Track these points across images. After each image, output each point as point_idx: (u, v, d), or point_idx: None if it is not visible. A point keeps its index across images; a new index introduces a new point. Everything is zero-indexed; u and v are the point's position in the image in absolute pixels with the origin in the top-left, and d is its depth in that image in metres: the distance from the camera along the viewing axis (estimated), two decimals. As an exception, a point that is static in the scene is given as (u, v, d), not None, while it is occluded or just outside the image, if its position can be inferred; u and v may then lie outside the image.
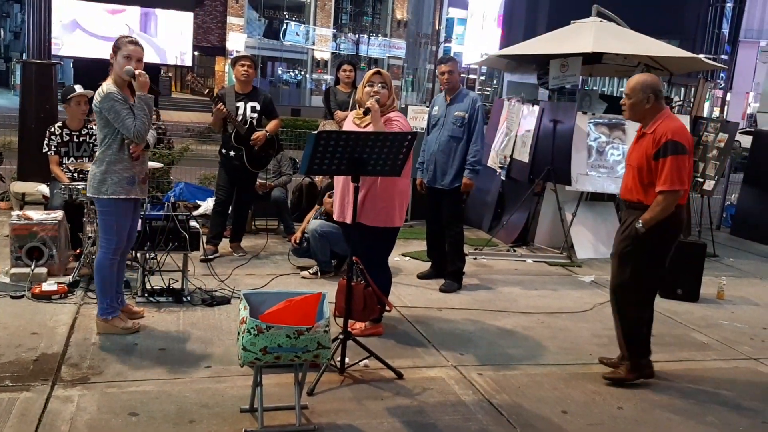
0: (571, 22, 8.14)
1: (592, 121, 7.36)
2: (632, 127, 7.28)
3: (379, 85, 4.26)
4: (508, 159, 7.73)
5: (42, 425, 3.10)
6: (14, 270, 4.97)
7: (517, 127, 7.69)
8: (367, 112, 4.17)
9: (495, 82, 40.77)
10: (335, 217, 4.54)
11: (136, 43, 4.09)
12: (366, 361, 3.97)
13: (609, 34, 7.56)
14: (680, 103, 9.82)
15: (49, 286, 4.78)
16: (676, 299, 5.88)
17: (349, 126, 4.39)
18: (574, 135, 7.12)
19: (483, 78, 42.55)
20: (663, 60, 8.10)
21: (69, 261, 5.38)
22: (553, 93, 8.24)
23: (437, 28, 39.24)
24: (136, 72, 3.98)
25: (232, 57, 6.45)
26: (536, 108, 7.64)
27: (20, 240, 5.02)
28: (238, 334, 3.12)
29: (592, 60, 7.90)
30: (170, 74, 32.13)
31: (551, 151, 7.16)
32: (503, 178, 7.90)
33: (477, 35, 37.21)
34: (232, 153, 6.10)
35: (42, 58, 6.93)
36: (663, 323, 5.32)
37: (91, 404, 3.32)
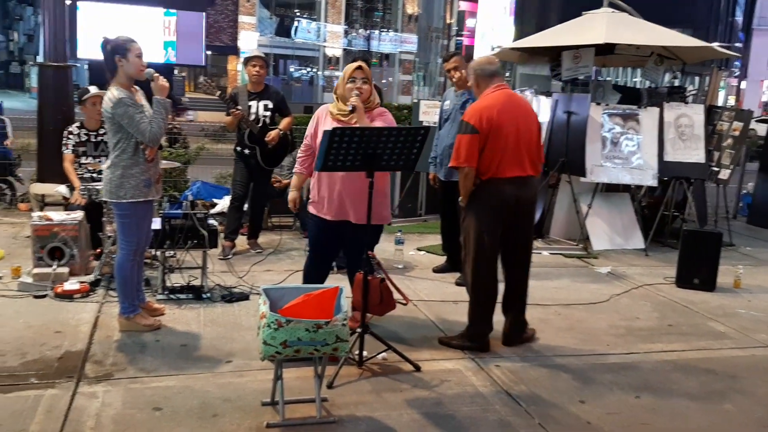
0: (583, 13, 8.12)
1: (606, 111, 7.35)
2: (646, 117, 7.29)
3: (361, 80, 4.13)
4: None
5: (68, 421, 3.16)
6: (36, 270, 5.06)
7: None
8: (353, 110, 4.02)
9: (508, 74, 40.66)
10: (332, 217, 4.17)
11: (135, 41, 4.08)
12: (384, 354, 4.01)
13: (621, 25, 7.53)
14: (695, 92, 9.75)
15: (71, 285, 4.87)
16: (693, 289, 5.88)
17: (329, 123, 4.13)
18: (588, 126, 7.11)
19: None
20: (676, 49, 8.06)
21: (90, 260, 5.47)
22: (566, 84, 8.22)
23: (448, 21, 39.11)
24: (154, 75, 4.03)
25: (244, 56, 6.48)
26: (549, 100, 7.64)
27: (42, 240, 5.10)
28: (259, 328, 3.17)
29: (605, 51, 7.86)
30: (183, 74, 32.32)
31: (565, 143, 7.16)
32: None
33: (488, 28, 37.03)
34: (246, 151, 6.16)
35: (58, 60, 7.02)
36: (680, 312, 5.33)
37: (116, 400, 3.39)
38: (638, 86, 9.47)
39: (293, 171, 4.48)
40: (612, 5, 7.97)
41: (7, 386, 3.46)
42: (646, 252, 7.18)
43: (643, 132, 7.28)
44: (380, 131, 3.72)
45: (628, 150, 7.31)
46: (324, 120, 4.20)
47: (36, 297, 4.80)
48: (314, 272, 4.32)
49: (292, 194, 4.46)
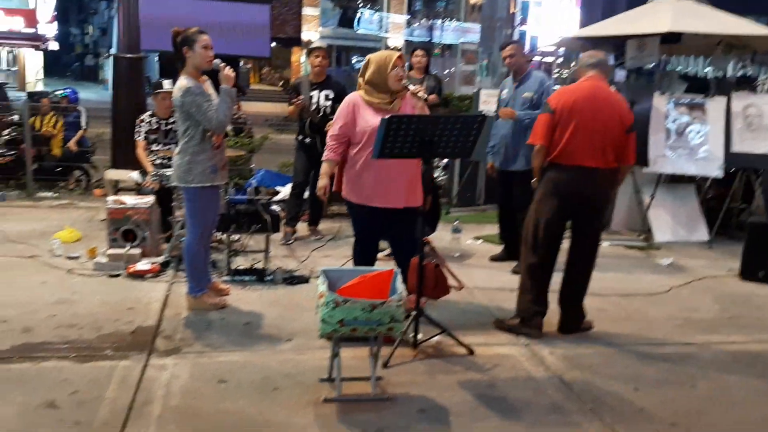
0: (648, 0, 7.96)
1: (672, 101, 7.21)
2: (713, 107, 7.12)
3: (402, 68, 4.16)
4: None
5: (140, 390, 3.38)
6: (111, 251, 5.35)
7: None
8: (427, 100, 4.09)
9: (574, 64, 39.84)
10: (377, 204, 4.17)
11: (205, 32, 4.23)
12: (438, 337, 4.10)
13: (687, 13, 7.35)
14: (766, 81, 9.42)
15: (143, 265, 5.14)
16: (757, 282, 5.75)
17: (370, 112, 4.13)
18: (652, 116, 6.99)
19: (561, 60, 41.68)
20: (746, 38, 7.81)
21: (160, 242, 5.75)
22: (631, 73, 8.10)
23: (512, 11, 38.62)
24: (221, 65, 4.21)
25: (307, 48, 6.63)
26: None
27: (116, 223, 5.39)
28: (317, 307, 3.31)
29: (672, 39, 7.70)
30: (249, 66, 32.98)
31: (627, 133, 7.05)
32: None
33: (554, 17, 36.43)
34: (307, 140, 6.34)
35: (132, 52, 7.35)
36: (742, 305, 5.23)
37: (184, 372, 3.59)
38: (708, 76, 9.22)
39: (322, 158, 4.35)
40: (679, -8, 7.77)
41: (85, 357, 3.72)
42: (710, 244, 7.03)
43: (709, 122, 7.10)
44: (437, 119, 3.80)
45: (694, 140, 7.15)
46: (363, 109, 4.15)
47: (110, 276, 5.09)
48: (360, 258, 4.42)
49: (321, 182, 4.26)
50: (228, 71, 4.21)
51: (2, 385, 3.34)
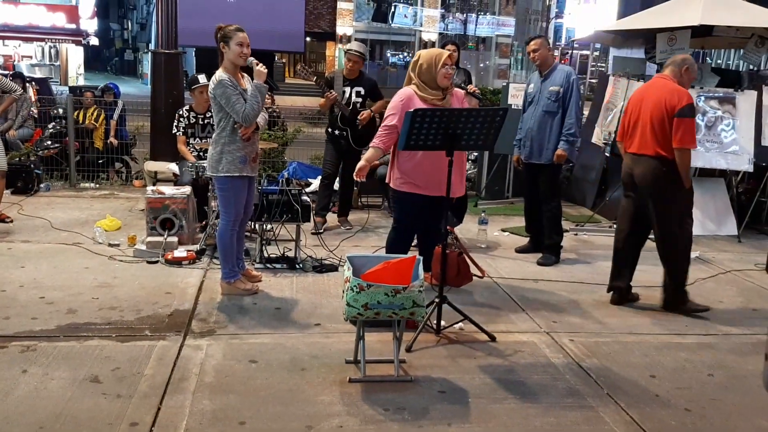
0: (680, -7, 7.92)
1: (702, 94, 7.20)
2: (743, 101, 7.09)
3: (450, 66, 4.34)
4: (613, 135, 7.68)
5: (177, 368, 3.59)
6: (150, 239, 5.59)
7: (622, 102, 7.62)
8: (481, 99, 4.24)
9: (611, 57, 39.36)
10: (428, 193, 4.38)
11: (243, 30, 4.43)
12: (460, 324, 4.24)
13: (719, 6, 7.32)
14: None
15: (180, 253, 5.37)
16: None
17: (421, 105, 4.25)
18: (681, 109, 6.98)
19: (597, 54, 41.20)
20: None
21: (196, 231, 5.98)
22: (662, 67, 8.07)
23: (548, 3, 38.28)
24: (254, 62, 4.39)
25: (345, 48, 6.75)
26: (642, 83, 7.54)
27: (155, 212, 5.64)
28: (343, 291, 3.48)
29: (704, 33, 7.67)
30: (284, 60, 33.33)
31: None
32: (607, 154, 7.87)
33: (589, 10, 36.02)
34: (337, 132, 6.51)
35: (170, 48, 7.59)
36: (767, 298, 5.25)
37: (218, 352, 3.80)
38: (740, 69, 9.14)
39: (370, 144, 4.56)
40: (712, -15, 7.73)
41: (126, 336, 3.95)
42: (739, 238, 7.02)
43: (739, 116, 7.08)
44: (460, 112, 3.92)
45: (724, 134, 7.14)
46: (416, 103, 4.28)
47: (149, 262, 5.33)
48: (397, 246, 4.57)
49: (362, 163, 4.40)
50: (260, 68, 4.39)
51: (50, 361, 3.58)
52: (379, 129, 4.48)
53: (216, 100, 4.40)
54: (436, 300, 4.12)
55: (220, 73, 4.39)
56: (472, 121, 3.90)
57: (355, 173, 4.43)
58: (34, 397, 3.22)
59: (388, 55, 37.06)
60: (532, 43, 5.77)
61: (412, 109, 3.88)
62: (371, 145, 4.49)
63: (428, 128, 3.86)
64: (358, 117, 6.42)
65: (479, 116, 3.91)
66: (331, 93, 6.32)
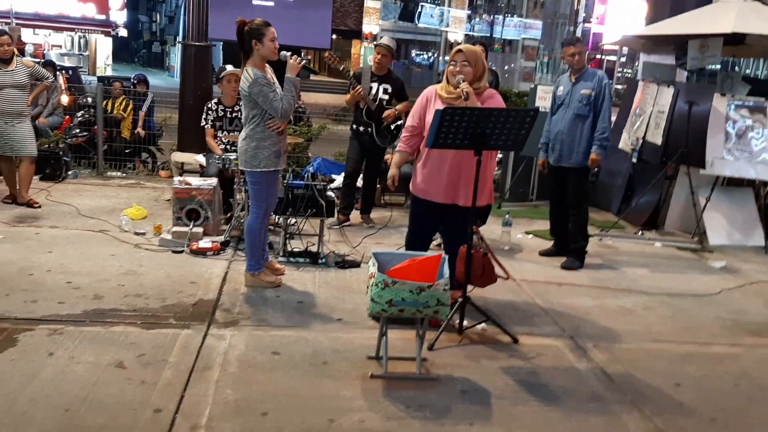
0: (713, 0, 7.84)
1: (732, 103, 7.10)
2: (775, 110, 6.98)
3: (461, 63, 4.20)
4: (641, 141, 7.61)
5: (200, 356, 3.62)
6: (175, 228, 5.64)
7: (651, 108, 7.55)
8: (467, 97, 4.10)
9: (637, 63, 39.04)
10: (439, 200, 4.31)
11: (271, 24, 4.42)
12: (483, 324, 4.23)
13: (753, 14, 7.21)
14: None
15: (205, 243, 5.41)
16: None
17: (439, 104, 4.20)
18: (711, 117, 6.91)
19: (624, 59, 40.89)
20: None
21: (221, 223, 6.02)
22: (692, 74, 7.99)
23: (576, 7, 38.03)
24: (288, 54, 4.41)
25: (374, 43, 6.77)
26: (671, 89, 7.47)
27: (181, 202, 5.68)
28: (368, 287, 3.48)
29: (736, 41, 7.58)
30: (309, 57, 33.36)
31: (686, 134, 7.00)
32: (634, 160, 7.79)
33: (619, 14, 35.73)
34: (362, 128, 6.52)
35: (200, 40, 7.64)
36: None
37: (241, 342, 3.82)
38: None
39: (395, 149, 4.59)
40: (746, -7, 7.63)
41: (151, 324, 3.99)
42: (766, 249, 6.92)
43: (771, 125, 6.98)
44: (490, 112, 3.90)
45: (755, 143, 7.04)
46: (434, 102, 4.31)
47: (174, 252, 5.37)
48: (413, 247, 4.52)
49: (392, 171, 4.47)
50: (293, 61, 4.40)
51: (76, 345, 3.62)
52: (402, 132, 4.50)
53: (250, 98, 4.40)
54: (460, 299, 4.10)
55: (251, 71, 4.37)
56: (502, 122, 3.88)
57: (388, 182, 4.49)
58: (60, 380, 3.26)
59: (414, 54, 37.05)
60: (572, 47, 5.69)
61: (440, 108, 3.87)
62: (397, 149, 4.52)
63: (458, 127, 3.84)
64: (383, 114, 6.42)
65: (509, 116, 3.88)
66: (358, 88, 6.33)
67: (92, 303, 4.23)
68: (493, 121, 3.86)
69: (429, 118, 4.21)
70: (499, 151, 5.82)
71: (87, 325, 3.90)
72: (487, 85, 4.37)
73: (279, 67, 4.57)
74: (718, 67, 7.85)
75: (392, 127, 6.52)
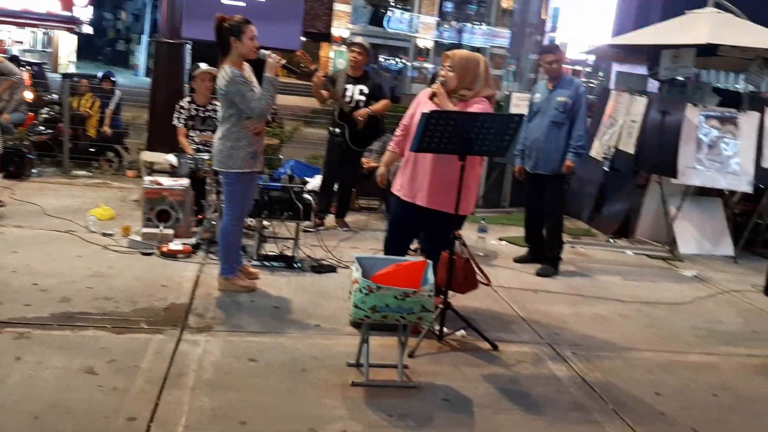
0: (686, 11, 7.95)
1: (703, 113, 7.20)
2: (745, 122, 7.10)
3: (447, 68, 4.15)
4: (613, 149, 7.67)
5: (174, 363, 3.48)
6: (145, 230, 5.47)
7: (624, 117, 7.62)
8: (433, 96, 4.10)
9: (602, 74, 39.66)
10: (422, 204, 4.20)
11: (251, 22, 4.31)
12: (463, 331, 4.18)
13: (725, 26, 7.34)
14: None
15: (176, 246, 5.26)
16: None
17: (428, 106, 4.16)
18: (683, 127, 6.99)
19: (589, 70, 41.51)
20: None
21: (192, 225, 5.86)
22: (664, 84, 8.09)
23: (543, 17, 38.53)
24: (267, 53, 4.30)
25: (348, 42, 6.70)
26: (644, 99, 7.54)
27: (152, 203, 5.52)
28: (350, 293, 3.40)
29: (707, 52, 7.69)
30: (284, 61, 33.09)
31: (658, 143, 7.07)
32: (606, 168, 7.85)
33: (585, 24, 36.38)
34: (337, 130, 6.43)
35: (173, 38, 7.48)
36: (766, 320, 5.24)
37: (216, 349, 3.70)
38: (740, 90, 9.17)
39: (387, 148, 4.56)
40: (717, 5, 7.76)
41: (122, 328, 3.84)
42: (735, 259, 7.02)
43: (741, 137, 7.09)
44: (475, 116, 3.87)
45: (726, 154, 7.14)
46: (424, 103, 4.26)
47: (144, 254, 5.21)
48: (392, 251, 4.46)
49: (381, 169, 4.45)
50: (273, 60, 4.30)
51: (44, 350, 3.46)
52: (395, 131, 4.45)
53: (227, 97, 4.29)
54: (441, 306, 4.05)
55: (229, 69, 4.27)
56: (486, 127, 3.84)
57: (377, 180, 4.47)
58: (29, 385, 3.11)
59: (383, 59, 37.04)
60: (550, 55, 5.70)
61: (426, 111, 3.82)
62: (388, 148, 4.50)
63: (443, 131, 3.79)
64: (355, 113, 6.31)
65: (494, 122, 3.85)
66: (319, 75, 6.13)
67: (60, 306, 4.06)
68: (478, 126, 3.82)
69: (415, 118, 4.15)
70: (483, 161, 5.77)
71: (55, 328, 3.74)
72: (480, 92, 4.18)
73: (258, 66, 4.47)
74: (689, 77, 7.93)
75: (366, 129, 6.43)
